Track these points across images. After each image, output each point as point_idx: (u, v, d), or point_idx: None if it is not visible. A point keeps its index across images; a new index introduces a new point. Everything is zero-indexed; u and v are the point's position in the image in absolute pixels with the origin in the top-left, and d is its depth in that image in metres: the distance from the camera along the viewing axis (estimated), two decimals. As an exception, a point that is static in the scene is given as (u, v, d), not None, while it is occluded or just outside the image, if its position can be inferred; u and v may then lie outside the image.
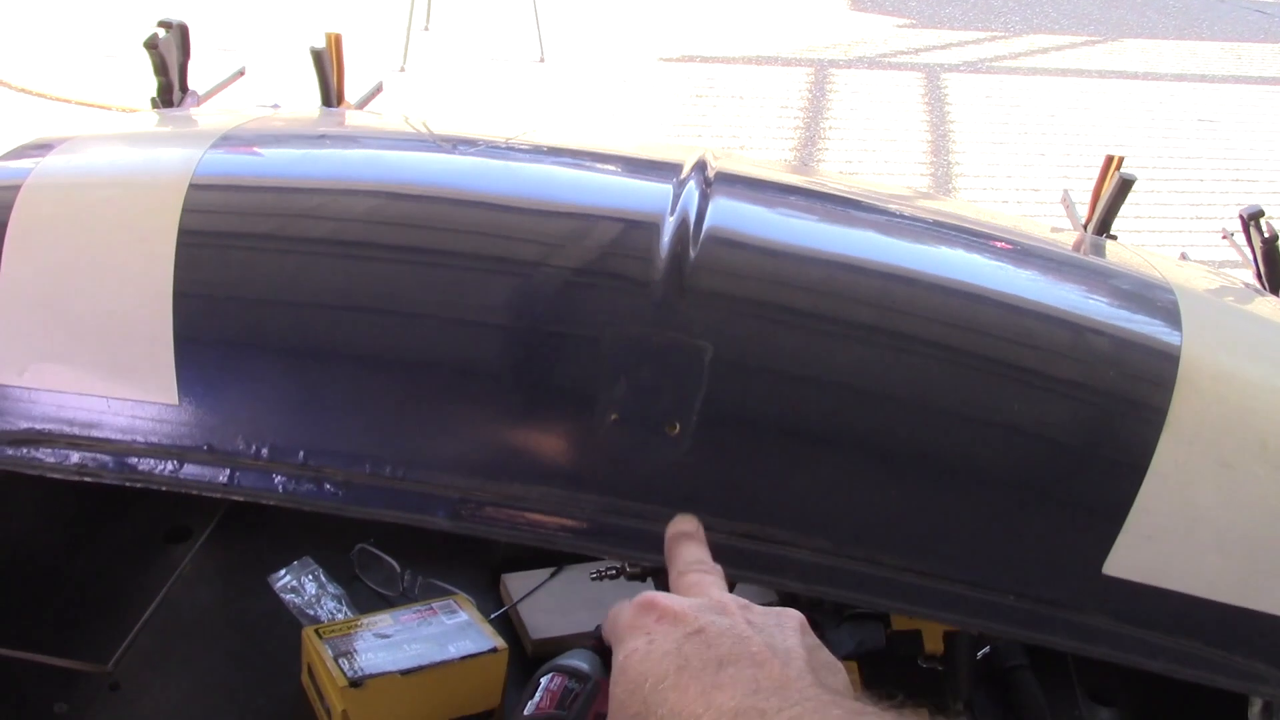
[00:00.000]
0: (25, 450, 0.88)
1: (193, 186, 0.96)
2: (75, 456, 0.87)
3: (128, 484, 0.87)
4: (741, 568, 0.82)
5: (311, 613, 1.31)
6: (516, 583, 1.35)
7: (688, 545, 0.77)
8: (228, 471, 0.86)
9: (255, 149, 1.15)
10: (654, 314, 0.87)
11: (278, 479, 0.85)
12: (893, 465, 0.87)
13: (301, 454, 0.86)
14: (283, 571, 1.36)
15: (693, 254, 0.91)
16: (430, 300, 0.92)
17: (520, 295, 0.91)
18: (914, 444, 0.87)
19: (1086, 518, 0.85)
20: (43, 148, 1.09)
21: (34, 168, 1.02)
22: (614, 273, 0.93)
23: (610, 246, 0.97)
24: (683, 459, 0.84)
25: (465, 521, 0.85)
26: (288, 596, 1.33)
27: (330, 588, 1.35)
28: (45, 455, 0.87)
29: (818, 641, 0.66)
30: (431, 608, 1.21)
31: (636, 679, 0.62)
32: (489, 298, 0.91)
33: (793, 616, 0.67)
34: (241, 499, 0.87)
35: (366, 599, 1.34)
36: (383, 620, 1.19)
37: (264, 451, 0.86)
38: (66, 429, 0.88)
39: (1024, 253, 1.22)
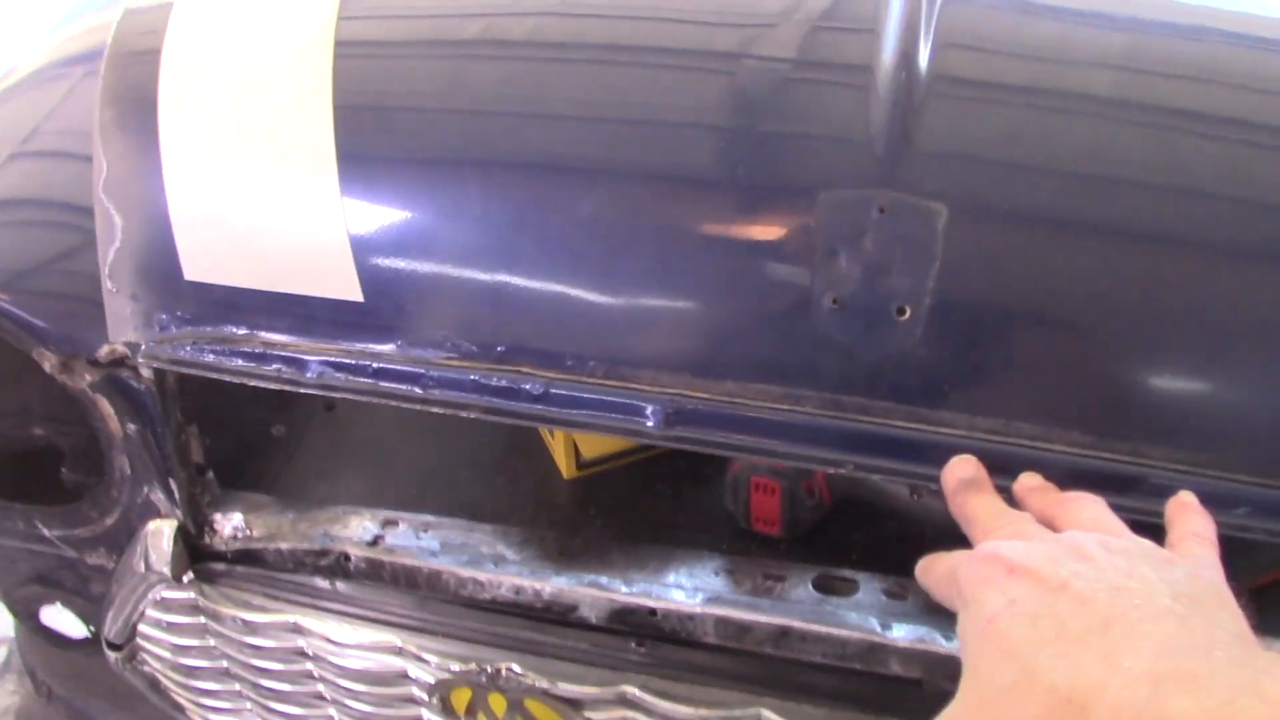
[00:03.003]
0: (223, 352, 0.90)
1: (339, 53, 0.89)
2: (272, 365, 0.88)
3: (325, 393, 0.87)
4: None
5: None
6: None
7: (978, 498, 0.69)
8: (420, 379, 0.84)
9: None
10: (875, 170, 0.74)
11: (472, 388, 0.82)
12: (1178, 336, 0.73)
13: (499, 351, 0.81)
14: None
15: (916, 96, 0.76)
16: (627, 171, 0.82)
17: (714, 150, 0.79)
18: (1215, 306, 0.73)
19: None
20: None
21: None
22: (824, 122, 0.78)
23: (815, 83, 0.81)
24: (915, 347, 0.73)
25: (677, 428, 0.78)
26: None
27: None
28: (243, 362, 0.89)
29: (1199, 572, 0.59)
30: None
31: (1008, 646, 0.55)
32: (681, 157, 0.80)
33: (1160, 552, 0.60)
34: (439, 410, 0.84)
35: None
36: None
37: (457, 353, 0.82)
38: (261, 331, 0.88)
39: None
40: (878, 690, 0.86)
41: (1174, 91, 0.82)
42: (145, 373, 0.93)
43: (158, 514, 1.01)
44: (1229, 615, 0.56)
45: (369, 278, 0.83)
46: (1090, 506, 0.66)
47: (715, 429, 0.78)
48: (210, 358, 0.89)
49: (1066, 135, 0.77)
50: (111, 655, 1.10)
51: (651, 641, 0.89)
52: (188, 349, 0.90)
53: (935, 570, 0.67)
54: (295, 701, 1.09)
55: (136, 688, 1.18)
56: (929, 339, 0.73)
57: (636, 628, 0.89)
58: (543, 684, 0.90)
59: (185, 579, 1.01)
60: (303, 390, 0.88)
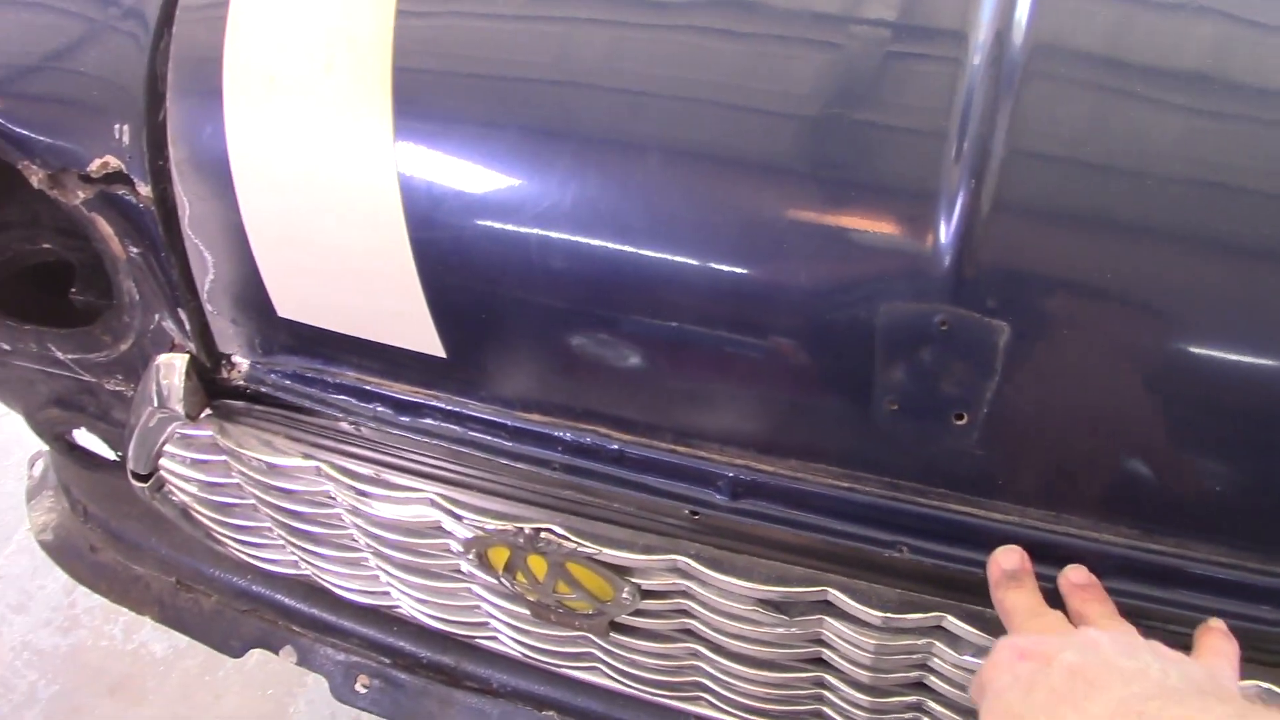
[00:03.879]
0: (304, 389, 0.93)
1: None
2: (373, 404, 0.91)
3: (419, 437, 0.90)
4: (1030, 556, 0.76)
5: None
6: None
7: (1017, 592, 0.75)
8: (506, 429, 0.87)
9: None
10: (938, 285, 0.70)
11: (553, 445, 0.86)
12: (1223, 436, 0.71)
13: (577, 411, 0.84)
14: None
15: (985, 208, 0.68)
16: (698, 258, 0.75)
17: (782, 260, 0.73)
18: (1253, 404, 0.69)
19: None
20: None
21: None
22: (886, 234, 0.71)
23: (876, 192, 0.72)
24: (970, 448, 0.74)
25: (743, 500, 0.82)
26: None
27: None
28: (345, 397, 0.92)
29: (1210, 673, 0.67)
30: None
31: (1007, 712, 0.65)
32: (753, 266, 0.74)
33: (1173, 652, 0.68)
34: (523, 466, 0.88)
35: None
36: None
37: (539, 410, 0.85)
38: (355, 370, 0.91)
39: None
40: (960, 574, 0.83)
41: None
42: (144, 190, 0.86)
43: (172, 344, 0.95)
44: (1233, 708, 0.60)
45: (450, 335, 0.83)
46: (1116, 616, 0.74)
47: (779, 503, 0.82)
48: (313, 389, 0.93)
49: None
50: (138, 485, 1.05)
51: (706, 510, 0.83)
52: (289, 377, 0.94)
53: (973, 682, 0.74)
54: (329, 544, 1.07)
55: (169, 518, 1.16)
56: (985, 441, 0.75)
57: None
58: (586, 549, 0.84)
59: (201, 416, 0.94)
60: (396, 431, 0.91)
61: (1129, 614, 0.74)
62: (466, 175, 0.79)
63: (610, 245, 0.77)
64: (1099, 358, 0.70)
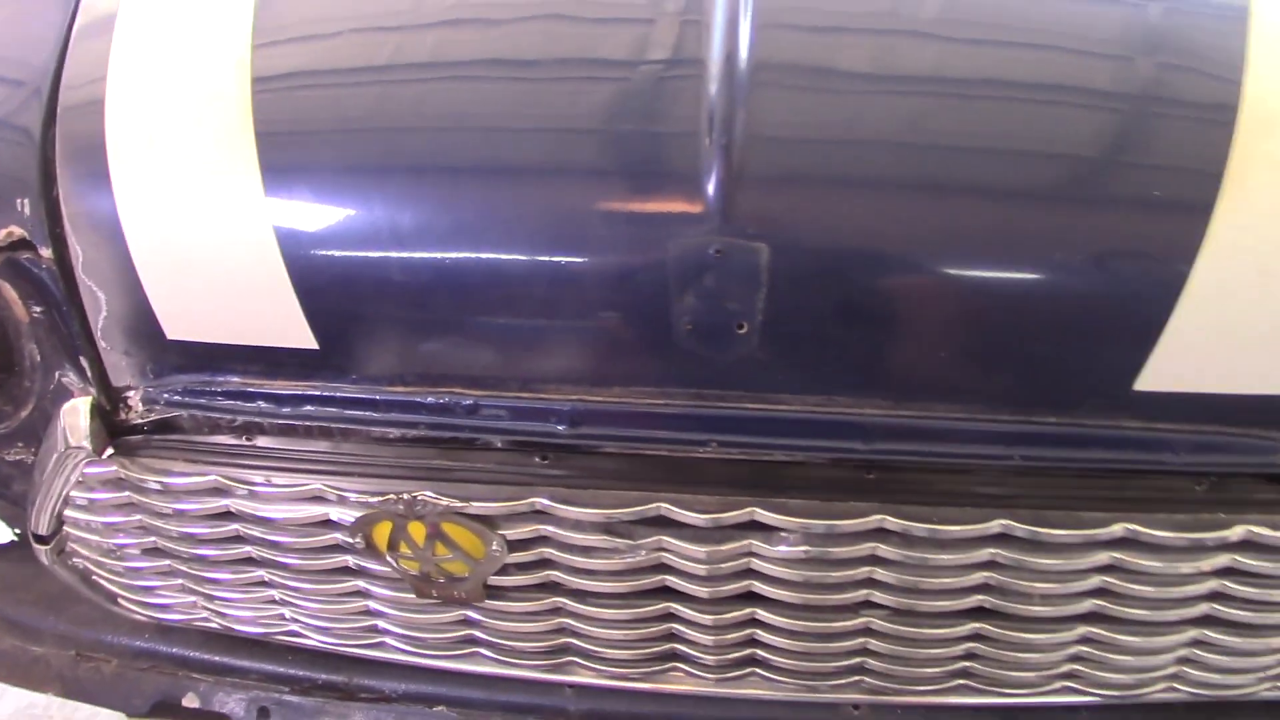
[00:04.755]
0: (194, 401, 1.07)
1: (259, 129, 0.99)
2: (255, 403, 1.06)
3: (302, 423, 1.06)
4: (811, 436, 0.97)
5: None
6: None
7: None
8: (376, 404, 1.03)
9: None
10: (710, 225, 0.91)
11: (418, 409, 1.02)
12: (935, 316, 0.94)
13: (435, 377, 1.01)
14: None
15: (735, 170, 0.91)
16: (522, 243, 0.96)
17: (593, 231, 0.95)
18: (952, 290, 0.94)
19: (1121, 341, 0.93)
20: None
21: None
22: (664, 199, 0.94)
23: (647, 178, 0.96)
24: (754, 352, 0.94)
25: (581, 427, 1.00)
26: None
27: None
28: (231, 401, 1.06)
29: None
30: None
31: None
32: (572, 244, 0.95)
33: None
34: (396, 431, 1.05)
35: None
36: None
37: (402, 382, 1.01)
38: (239, 376, 1.06)
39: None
40: (765, 474, 1.03)
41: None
42: (45, 253, 0.99)
43: (71, 396, 1.07)
44: None
45: (320, 329, 1.00)
46: None
47: (609, 425, 1.01)
48: (202, 400, 1.07)
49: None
50: (40, 549, 1.16)
51: (555, 453, 1.00)
52: (179, 393, 1.08)
53: None
54: (226, 568, 1.17)
55: (68, 585, 1.25)
56: (764, 344, 0.95)
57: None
58: (456, 504, 1.00)
59: (105, 454, 1.06)
60: (283, 421, 1.07)
61: (883, 466, 1.00)
62: (326, 198, 0.98)
63: (448, 244, 0.97)
64: (835, 266, 0.93)
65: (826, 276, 0.93)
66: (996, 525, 0.99)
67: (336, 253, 0.98)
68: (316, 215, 0.98)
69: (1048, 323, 0.93)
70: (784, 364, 0.95)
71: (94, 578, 1.28)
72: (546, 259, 0.95)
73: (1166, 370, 0.93)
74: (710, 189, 0.91)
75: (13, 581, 1.41)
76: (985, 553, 1.01)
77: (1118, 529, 0.99)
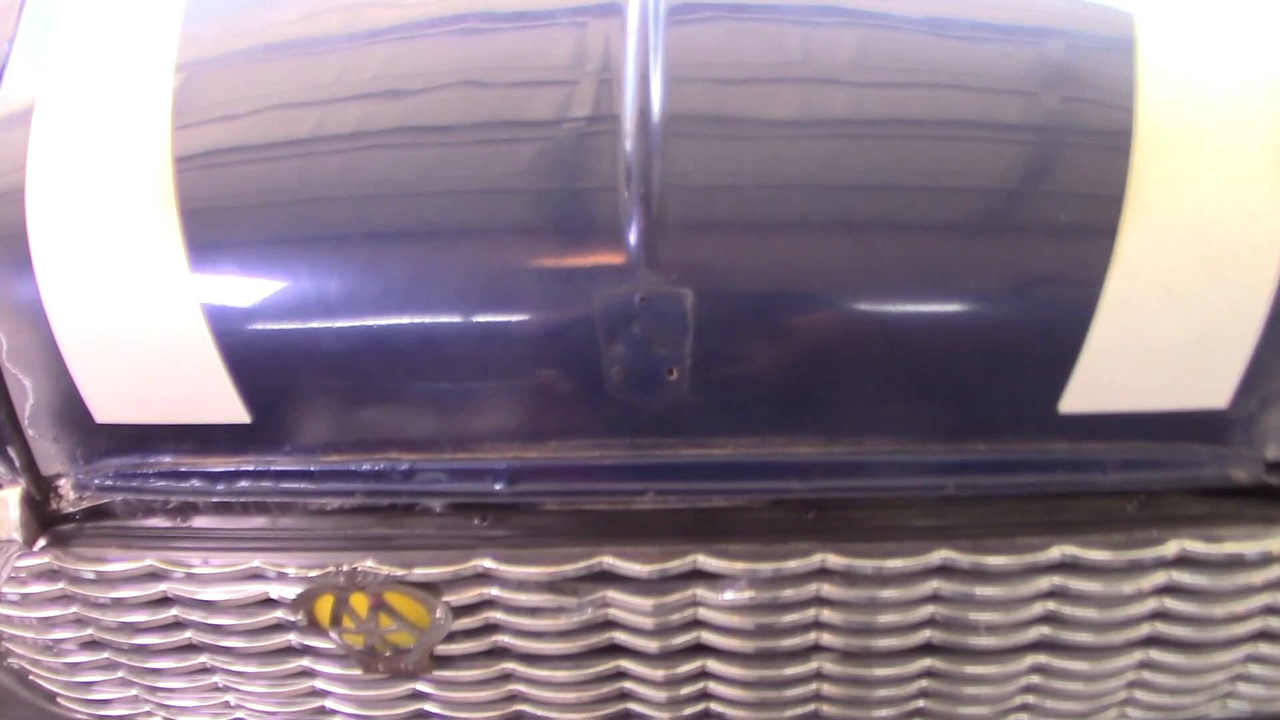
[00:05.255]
0: (126, 484, 1.06)
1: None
2: (188, 482, 1.05)
3: (236, 499, 1.05)
4: (748, 478, 0.98)
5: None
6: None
7: None
8: (312, 475, 1.02)
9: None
10: (633, 275, 0.92)
11: (354, 477, 1.01)
12: (860, 351, 0.95)
13: (370, 443, 1.01)
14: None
15: (654, 219, 0.93)
16: (450, 301, 0.97)
17: (516, 290, 0.96)
18: (875, 325, 0.95)
19: (1042, 364, 0.95)
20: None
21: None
22: (588, 252, 0.96)
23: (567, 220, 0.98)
24: (686, 396, 0.94)
25: (520, 484, 0.99)
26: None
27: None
28: (164, 482, 1.05)
29: None
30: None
31: None
32: (495, 303, 0.96)
33: None
34: (333, 502, 1.04)
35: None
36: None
37: (336, 450, 1.01)
38: (170, 455, 1.05)
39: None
40: (706, 520, 1.03)
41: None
42: None
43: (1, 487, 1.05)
44: None
45: (253, 401, 1.00)
46: None
47: (547, 481, 1.02)
48: (135, 482, 1.06)
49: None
50: (-27, 650, 1.13)
51: (495, 513, 1.01)
52: (111, 477, 1.06)
53: None
54: (167, 657, 1.15)
55: (4, 687, 1.21)
56: (694, 388, 0.95)
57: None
58: (397, 573, 0.99)
59: (38, 545, 1.05)
60: (218, 499, 1.06)
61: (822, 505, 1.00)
62: (252, 271, 0.99)
63: (377, 310, 0.97)
64: (758, 307, 0.94)
65: (751, 318, 0.94)
66: (938, 557, 1.00)
67: (265, 325, 0.98)
68: (244, 289, 0.98)
69: (970, 352, 0.95)
70: (716, 407, 0.96)
71: (31, 678, 1.26)
72: (474, 319, 0.96)
73: (1088, 391, 0.95)
74: (632, 239, 0.92)
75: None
76: (929, 586, 1.02)
77: (1055, 553, 1.00)
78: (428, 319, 0.97)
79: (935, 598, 1.03)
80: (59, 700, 1.28)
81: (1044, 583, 1.02)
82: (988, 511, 1.01)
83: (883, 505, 1.00)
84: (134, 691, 1.24)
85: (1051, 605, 1.04)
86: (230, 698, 1.22)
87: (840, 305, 0.95)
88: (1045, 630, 1.06)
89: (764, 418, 0.97)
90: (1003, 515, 1.01)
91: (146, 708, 1.26)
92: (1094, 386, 0.95)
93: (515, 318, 0.96)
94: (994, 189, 0.97)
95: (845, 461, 0.98)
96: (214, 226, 1.00)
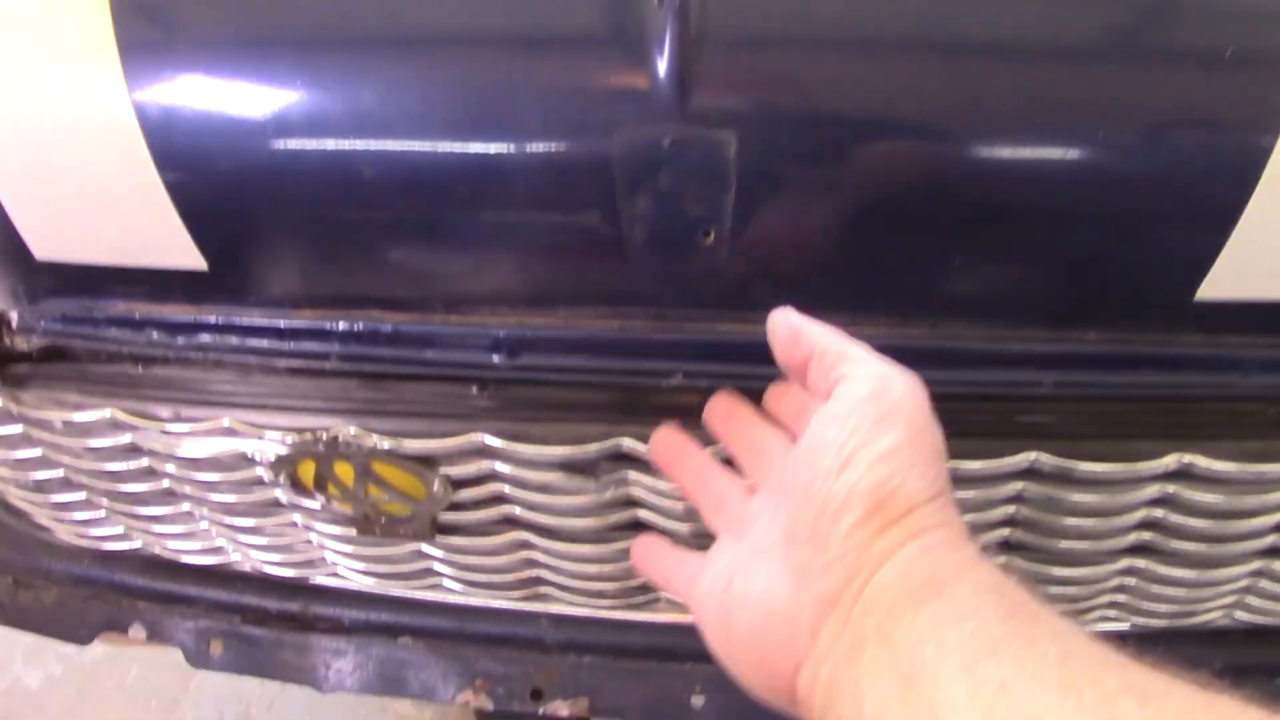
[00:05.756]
0: (76, 330, 0.90)
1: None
2: (145, 332, 0.89)
3: (200, 355, 0.89)
4: None
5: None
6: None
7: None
8: (281, 333, 0.85)
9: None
10: (662, 109, 0.71)
11: (328, 337, 0.84)
12: (949, 211, 0.74)
13: (347, 298, 0.84)
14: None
15: (692, 38, 0.71)
16: (449, 130, 0.76)
17: (522, 120, 0.74)
18: (971, 177, 0.73)
19: (1181, 238, 0.74)
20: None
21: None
22: (604, 74, 0.74)
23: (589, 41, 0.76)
24: (723, 265, 0.76)
25: (522, 356, 0.82)
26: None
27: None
28: (118, 330, 0.89)
29: None
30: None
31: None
32: (495, 132, 0.75)
33: None
34: (303, 362, 0.87)
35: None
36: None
37: (309, 305, 0.84)
38: (123, 300, 0.89)
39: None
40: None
41: None
42: None
43: (-58, 322, 0.92)
44: None
45: (208, 246, 0.82)
46: None
47: (556, 354, 0.83)
48: (84, 328, 0.90)
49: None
50: (-56, 482, 1.03)
51: (494, 385, 0.84)
52: (59, 320, 0.91)
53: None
54: (150, 502, 1.05)
55: (-7, 511, 1.14)
56: (735, 255, 0.76)
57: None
58: (385, 444, 0.85)
59: (-11, 387, 0.93)
60: (177, 354, 0.90)
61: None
62: (196, 88, 0.78)
63: (350, 140, 0.77)
64: (821, 155, 0.73)
65: (811, 170, 0.73)
66: (1024, 460, 0.83)
67: (217, 151, 0.78)
68: (189, 104, 0.78)
69: (1090, 216, 0.74)
70: (761, 278, 0.77)
71: (15, 508, 1.16)
72: (465, 148, 0.75)
73: (1235, 274, 0.74)
74: (662, 63, 0.70)
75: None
76: (1012, 488, 0.85)
77: (1171, 460, 0.83)
78: (408, 145, 0.76)
79: (1019, 499, 0.87)
80: (45, 527, 1.20)
81: (1152, 490, 0.85)
82: (1092, 411, 0.83)
83: (957, 399, 0.80)
84: (120, 528, 1.15)
85: (1159, 513, 0.88)
86: (224, 543, 1.12)
87: (931, 151, 0.73)
88: (1146, 536, 0.91)
89: (820, 292, 0.78)
90: (1110, 416, 0.83)
91: (138, 541, 1.17)
92: (1243, 269, 0.73)
93: (515, 149, 0.75)
94: (1140, 4, 0.74)
95: (918, 348, 0.78)
96: (152, 24, 0.79)
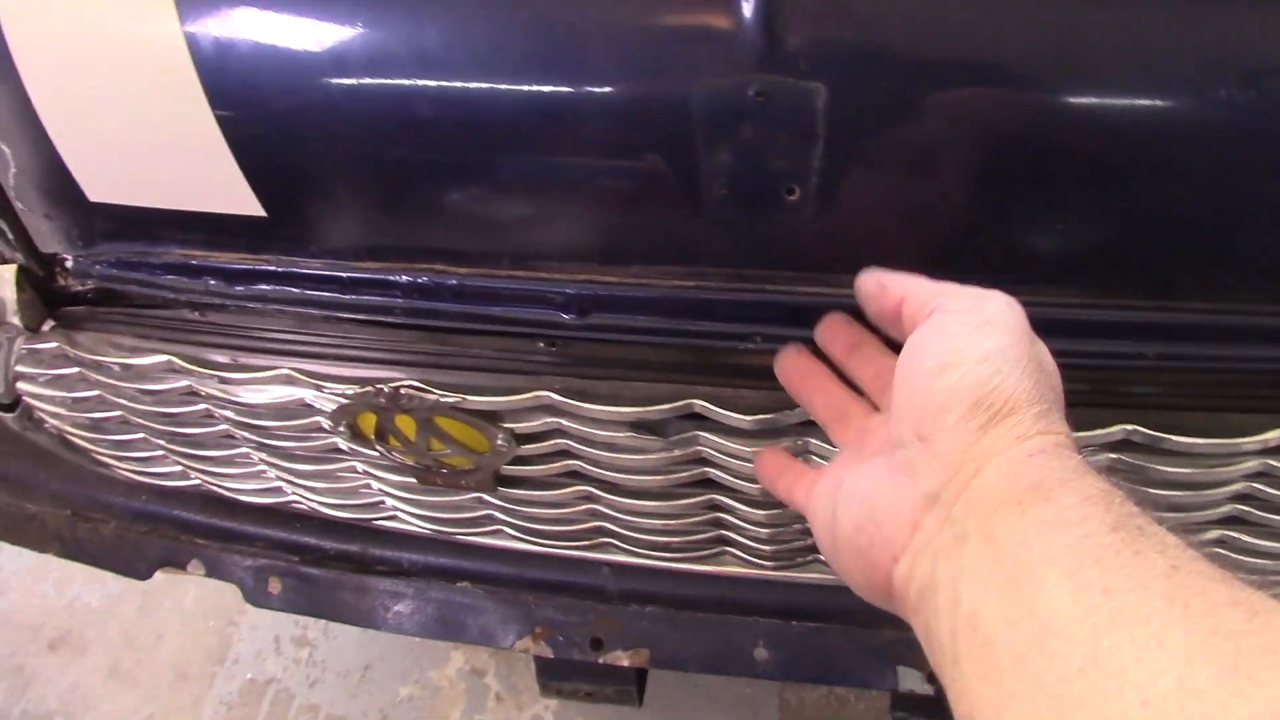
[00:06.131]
0: (132, 275, 0.87)
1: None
2: (203, 279, 0.86)
3: (259, 304, 0.86)
4: None
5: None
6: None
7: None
8: (342, 283, 0.82)
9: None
10: (747, 56, 0.66)
11: (392, 290, 0.81)
12: (1048, 168, 0.69)
13: (411, 251, 0.80)
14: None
15: None
16: (521, 80, 0.72)
17: (594, 64, 0.69)
18: (1074, 133, 0.67)
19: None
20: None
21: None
22: (685, 19, 0.68)
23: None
24: (808, 223, 0.71)
25: (592, 315, 0.78)
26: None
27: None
28: (174, 277, 0.87)
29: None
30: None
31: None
32: (566, 76, 0.70)
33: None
34: (365, 316, 0.84)
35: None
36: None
37: (372, 256, 0.81)
38: (180, 246, 0.86)
39: None
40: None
41: None
42: None
43: (1, 259, 0.90)
44: None
45: (267, 193, 0.78)
46: None
47: (628, 313, 0.79)
48: (141, 273, 0.87)
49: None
50: (5, 417, 1.01)
51: (561, 341, 0.81)
52: (115, 265, 0.88)
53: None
54: (207, 445, 1.04)
55: (47, 449, 1.13)
56: (821, 214, 0.71)
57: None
58: (448, 399, 0.82)
59: (46, 326, 0.90)
60: (235, 303, 0.87)
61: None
62: (252, 20, 0.73)
63: (416, 81, 0.72)
64: (917, 107, 0.67)
65: (905, 122, 0.68)
66: (1119, 430, 0.79)
67: (278, 93, 0.74)
68: (245, 38, 0.74)
69: (1205, 178, 0.68)
70: (848, 238, 0.73)
71: (74, 444, 1.15)
72: (535, 91, 0.71)
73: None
74: (747, 4, 0.65)
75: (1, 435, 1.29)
76: (1102, 459, 0.82)
77: (1274, 435, 0.79)
78: (476, 86, 0.72)
79: (1110, 470, 0.83)
80: (108, 465, 1.19)
81: (1252, 464, 0.81)
82: (1193, 384, 0.78)
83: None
84: (178, 466, 1.14)
85: (1259, 486, 0.83)
86: (283, 485, 1.11)
87: (1033, 104, 0.67)
88: (1241, 508, 0.87)
89: (910, 252, 0.72)
90: (1213, 389, 0.78)
91: (194, 478, 1.16)
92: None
93: (589, 97, 0.70)
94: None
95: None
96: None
